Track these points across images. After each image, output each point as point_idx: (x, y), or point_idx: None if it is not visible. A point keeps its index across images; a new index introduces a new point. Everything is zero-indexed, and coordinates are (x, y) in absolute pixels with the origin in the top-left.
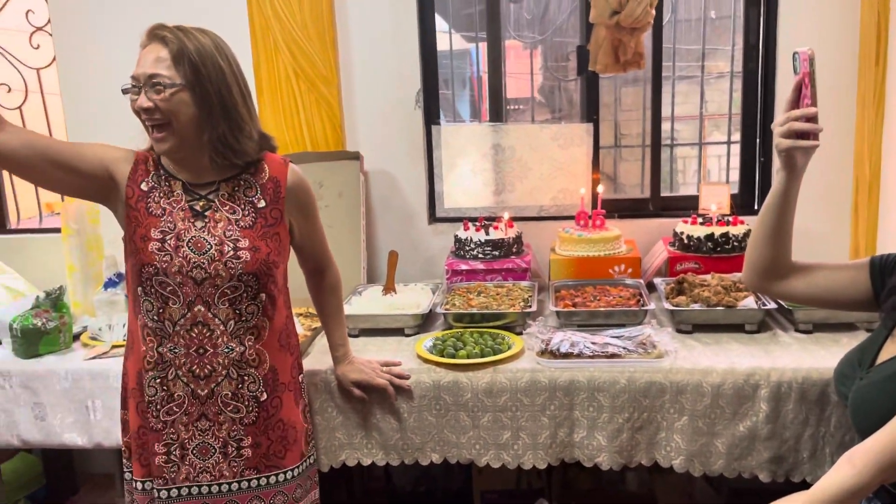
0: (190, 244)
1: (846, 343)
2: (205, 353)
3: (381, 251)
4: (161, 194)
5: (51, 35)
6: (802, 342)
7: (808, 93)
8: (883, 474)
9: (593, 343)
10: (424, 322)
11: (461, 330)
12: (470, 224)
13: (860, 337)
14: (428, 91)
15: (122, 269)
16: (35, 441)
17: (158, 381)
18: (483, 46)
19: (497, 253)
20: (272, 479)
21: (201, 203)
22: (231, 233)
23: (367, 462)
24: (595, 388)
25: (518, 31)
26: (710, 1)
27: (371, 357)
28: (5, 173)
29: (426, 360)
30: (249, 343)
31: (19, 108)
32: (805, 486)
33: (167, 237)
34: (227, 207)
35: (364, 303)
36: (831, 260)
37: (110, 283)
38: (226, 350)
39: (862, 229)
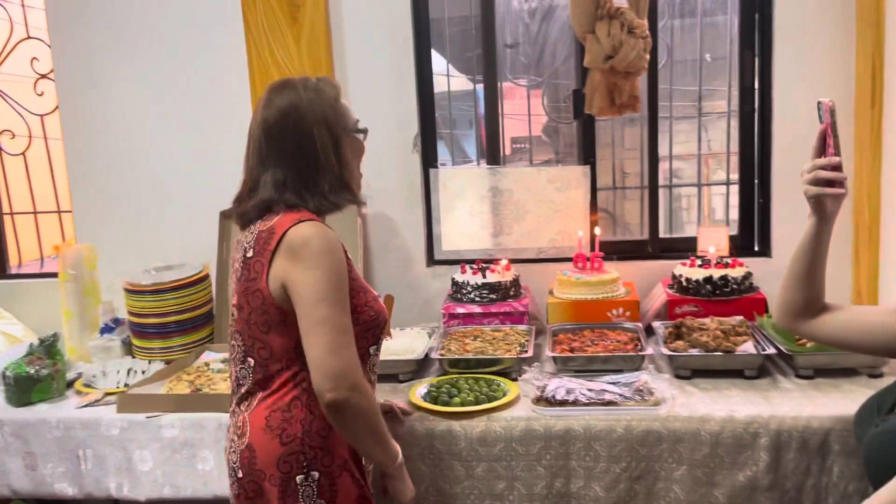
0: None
1: (847, 389)
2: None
3: (379, 294)
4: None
5: (54, 82)
6: (803, 388)
7: (831, 142)
8: None
9: (590, 390)
10: (420, 367)
11: (456, 376)
12: (467, 267)
13: (860, 382)
14: (426, 134)
15: (119, 315)
16: (25, 491)
17: None
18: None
19: (494, 296)
20: None
21: None
22: None
23: None
24: (591, 437)
25: (514, 75)
26: (706, 44)
27: None
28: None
29: (419, 408)
30: None
31: (23, 153)
32: None
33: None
34: None
35: None
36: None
37: (106, 329)
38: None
39: (864, 273)
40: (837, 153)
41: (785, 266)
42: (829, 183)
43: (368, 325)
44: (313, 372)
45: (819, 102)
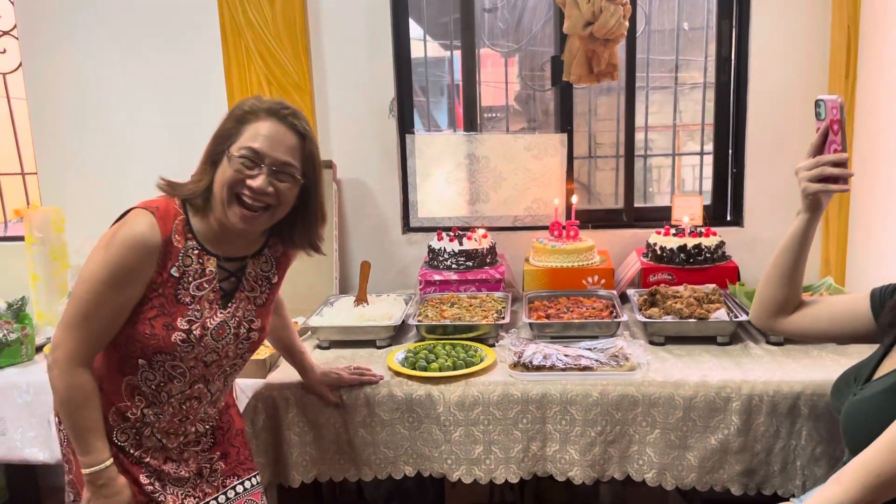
0: (213, 332)
1: (816, 355)
2: (185, 420)
3: (354, 261)
4: (192, 277)
5: (17, 39)
6: (773, 354)
7: (836, 139)
8: (869, 493)
9: (566, 355)
10: (397, 333)
11: (434, 342)
12: (443, 234)
13: (829, 349)
14: (402, 99)
15: None
16: None
17: (133, 431)
18: (460, 55)
19: (471, 263)
20: (255, 481)
21: (230, 282)
22: (248, 313)
23: (339, 478)
24: (567, 402)
25: (492, 41)
26: (684, 13)
27: None
28: None
29: (398, 373)
30: (221, 404)
31: None
32: (776, 499)
33: (193, 327)
34: (249, 286)
35: (335, 314)
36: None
37: None
38: (203, 416)
39: (832, 242)
40: (844, 150)
41: (756, 235)
42: (833, 179)
43: (140, 343)
44: None
45: (819, 100)
